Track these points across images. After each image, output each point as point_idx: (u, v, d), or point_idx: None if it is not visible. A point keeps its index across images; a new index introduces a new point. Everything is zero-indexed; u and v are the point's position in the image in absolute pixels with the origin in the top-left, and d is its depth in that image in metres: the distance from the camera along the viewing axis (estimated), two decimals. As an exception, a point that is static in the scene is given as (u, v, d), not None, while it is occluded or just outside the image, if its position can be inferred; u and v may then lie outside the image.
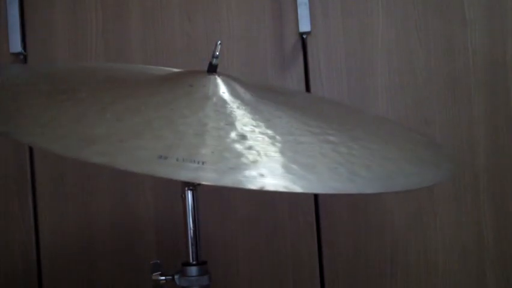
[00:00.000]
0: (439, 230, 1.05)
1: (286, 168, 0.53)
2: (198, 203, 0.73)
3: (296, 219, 1.06)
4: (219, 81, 0.68)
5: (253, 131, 0.58)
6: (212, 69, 0.70)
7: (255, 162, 0.52)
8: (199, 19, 1.09)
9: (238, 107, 0.63)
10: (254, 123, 0.61)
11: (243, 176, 0.50)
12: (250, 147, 0.55)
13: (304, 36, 1.07)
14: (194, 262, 0.72)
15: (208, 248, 1.05)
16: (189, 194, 0.73)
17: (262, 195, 1.06)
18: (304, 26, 1.05)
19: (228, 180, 0.49)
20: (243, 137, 0.57)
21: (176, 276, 0.72)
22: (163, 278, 0.72)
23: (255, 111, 0.64)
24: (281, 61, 1.08)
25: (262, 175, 0.51)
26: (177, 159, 0.50)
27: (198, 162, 0.50)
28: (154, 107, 0.60)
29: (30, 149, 1.08)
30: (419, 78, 1.06)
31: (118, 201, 1.07)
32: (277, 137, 0.59)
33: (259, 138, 0.57)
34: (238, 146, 0.55)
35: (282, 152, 0.56)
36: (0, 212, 1.08)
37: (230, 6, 1.09)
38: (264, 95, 0.72)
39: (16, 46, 1.07)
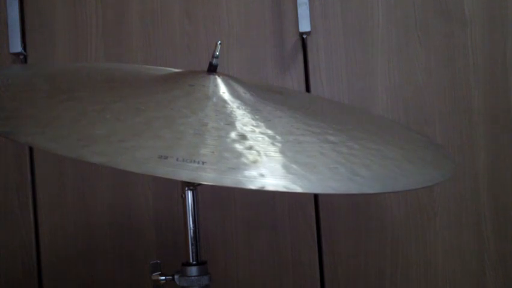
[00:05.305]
0: (439, 230, 1.05)
1: (286, 168, 0.53)
2: (198, 203, 0.73)
3: (296, 219, 1.06)
4: (219, 81, 0.68)
5: (253, 131, 0.58)
6: (212, 69, 0.70)
7: (255, 162, 0.52)
8: (199, 19, 1.09)
9: (238, 107, 0.63)
10: (254, 123, 0.61)
11: (243, 176, 0.50)
12: (250, 147, 0.55)
13: (304, 36, 1.07)
14: (194, 262, 0.72)
15: (208, 248, 1.06)
16: (189, 194, 0.73)
17: (262, 195, 1.06)
18: (304, 26, 1.05)
19: (228, 180, 0.49)
20: (243, 137, 0.57)
21: (176, 276, 0.72)
22: (163, 278, 0.72)
23: (255, 111, 0.64)
24: (281, 61, 1.08)
25: (262, 175, 0.51)
26: (177, 159, 0.50)
27: (198, 162, 0.50)
28: (154, 107, 0.60)
29: (30, 149, 1.08)
30: (419, 78, 1.06)
31: (118, 201, 1.07)
32: (277, 137, 0.59)
33: (259, 138, 0.57)
34: (238, 146, 0.55)
35: (282, 152, 0.56)
36: (0, 212, 1.08)
37: (230, 6, 1.09)
38: (264, 95, 0.72)
39: (16, 46, 1.07)
